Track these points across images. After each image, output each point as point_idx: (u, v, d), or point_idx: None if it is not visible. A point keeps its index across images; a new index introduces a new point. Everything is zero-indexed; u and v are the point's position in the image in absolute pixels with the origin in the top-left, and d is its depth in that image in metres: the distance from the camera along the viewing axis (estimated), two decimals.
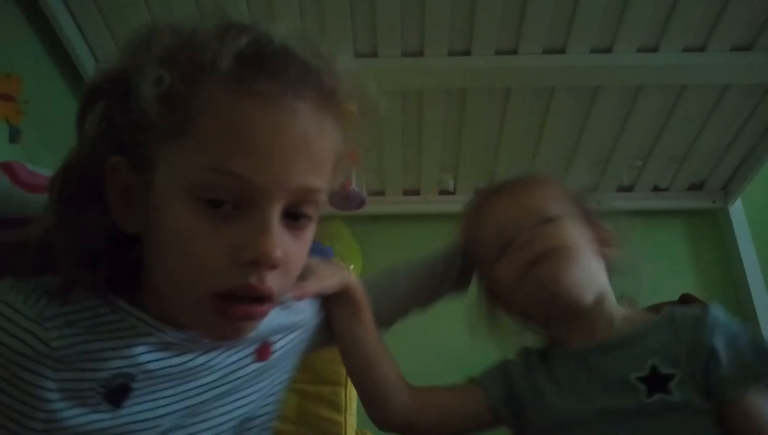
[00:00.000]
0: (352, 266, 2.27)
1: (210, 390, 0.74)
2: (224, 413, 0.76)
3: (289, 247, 0.63)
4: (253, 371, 0.79)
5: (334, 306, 0.95)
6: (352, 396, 1.23)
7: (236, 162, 0.58)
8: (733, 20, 1.87)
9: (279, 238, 0.60)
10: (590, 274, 0.94)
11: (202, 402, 0.74)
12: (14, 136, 1.70)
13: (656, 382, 0.83)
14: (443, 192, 2.52)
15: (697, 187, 2.53)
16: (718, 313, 0.89)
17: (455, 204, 2.50)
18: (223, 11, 0.73)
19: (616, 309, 0.96)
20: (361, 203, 2.04)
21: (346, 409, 1.19)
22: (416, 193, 2.53)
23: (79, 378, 0.64)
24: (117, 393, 0.66)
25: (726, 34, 1.92)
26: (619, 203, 2.51)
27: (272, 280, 0.61)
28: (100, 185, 0.64)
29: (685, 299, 1.93)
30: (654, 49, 1.97)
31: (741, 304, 2.36)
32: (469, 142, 2.27)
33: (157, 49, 0.66)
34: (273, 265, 0.60)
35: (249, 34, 0.69)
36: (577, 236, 0.94)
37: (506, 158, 2.35)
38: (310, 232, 0.68)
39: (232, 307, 0.61)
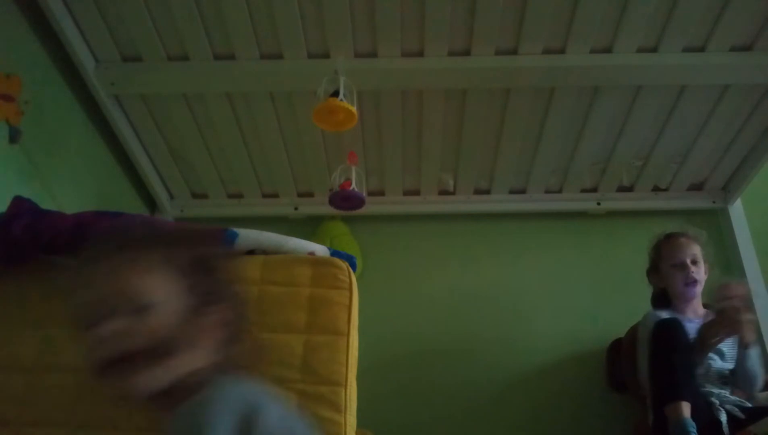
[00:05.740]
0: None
1: None
2: None
3: None
4: None
5: None
6: (352, 396, 1.23)
7: None
8: (733, 20, 1.87)
9: None
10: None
11: None
12: (14, 136, 1.70)
13: None
14: (443, 192, 2.52)
15: (697, 187, 2.53)
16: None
17: (455, 204, 2.54)
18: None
19: None
20: (361, 203, 2.04)
21: (346, 409, 1.19)
22: (416, 193, 2.53)
23: None
24: None
25: (726, 34, 1.92)
26: (619, 203, 2.52)
27: None
28: None
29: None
30: (654, 49, 1.97)
31: None
32: (469, 142, 2.27)
33: None
34: None
35: None
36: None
37: (506, 158, 2.35)
38: None
39: None
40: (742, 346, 1.78)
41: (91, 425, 1.15)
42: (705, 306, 1.98)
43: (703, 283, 1.94)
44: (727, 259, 2.45)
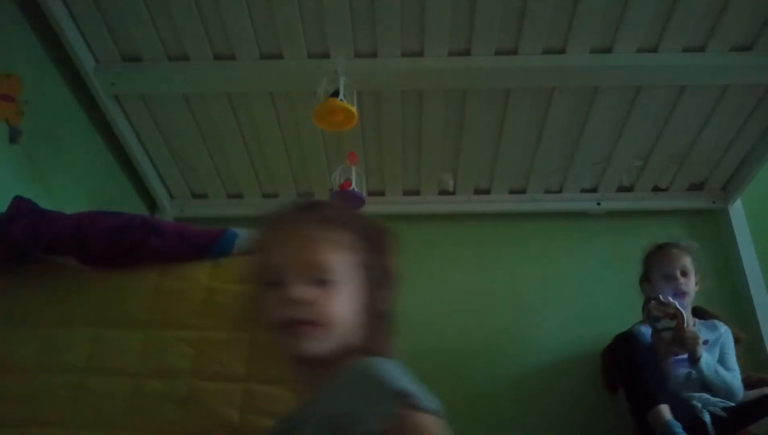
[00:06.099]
0: None
1: None
2: None
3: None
4: None
5: None
6: None
7: None
8: (733, 20, 1.87)
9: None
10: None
11: None
12: (14, 136, 1.71)
13: None
14: (443, 192, 2.52)
15: (697, 187, 2.53)
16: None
17: (455, 204, 2.54)
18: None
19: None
20: (361, 203, 2.04)
21: None
22: (416, 193, 2.53)
23: None
24: None
25: (726, 34, 1.92)
26: (619, 203, 2.52)
27: None
28: None
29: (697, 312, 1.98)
30: (654, 49, 1.97)
31: (741, 304, 2.36)
32: (469, 142, 2.27)
33: None
34: None
35: None
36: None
37: (506, 158, 2.35)
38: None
39: None
40: (693, 363, 1.80)
41: (91, 425, 1.15)
42: (696, 315, 1.99)
43: (692, 294, 1.95)
44: (727, 259, 2.45)
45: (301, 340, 0.87)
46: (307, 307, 0.87)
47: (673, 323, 1.80)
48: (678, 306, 1.82)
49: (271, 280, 0.89)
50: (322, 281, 0.88)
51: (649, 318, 1.84)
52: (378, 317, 0.94)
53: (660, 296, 1.87)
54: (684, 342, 1.78)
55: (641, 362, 1.81)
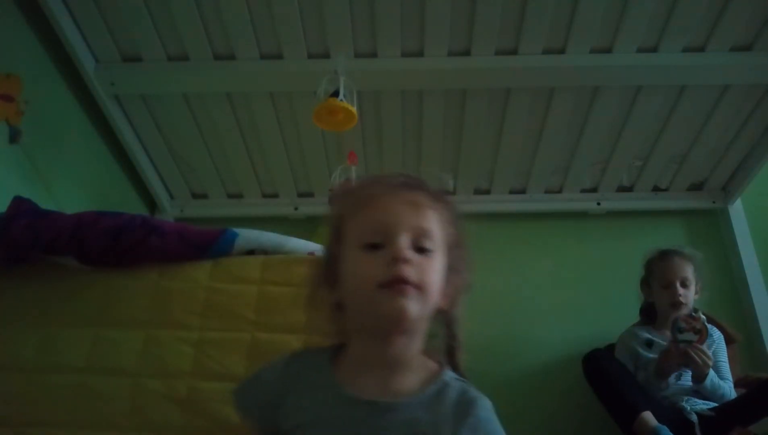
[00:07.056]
0: None
1: None
2: None
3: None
4: None
5: None
6: None
7: None
8: (733, 20, 1.87)
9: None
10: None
11: None
12: (14, 136, 1.70)
13: None
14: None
15: (697, 187, 2.53)
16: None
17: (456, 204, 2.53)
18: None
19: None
20: None
21: None
22: None
23: None
24: None
25: (726, 34, 1.92)
26: (619, 203, 2.52)
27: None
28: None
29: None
30: (654, 49, 1.97)
31: (741, 304, 2.36)
32: (469, 142, 2.27)
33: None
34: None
35: None
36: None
37: (506, 158, 2.35)
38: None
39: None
40: (697, 381, 1.79)
41: (91, 425, 1.15)
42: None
43: (691, 304, 1.93)
44: (727, 259, 2.46)
45: (405, 300, 0.85)
46: (413, 269, 0.86)
47: (695, 338, 1.78)
48: (706, 323, 1.80)
49: (375, 241, 0.87)
50: (422, 249, 0.89)
51: (673, 326, 1.81)
52: (452, 297, 0.96)
53: (691, 310, 1.86)
54: (696, 363, 1.76)
55: (615, 377, 1.84)
